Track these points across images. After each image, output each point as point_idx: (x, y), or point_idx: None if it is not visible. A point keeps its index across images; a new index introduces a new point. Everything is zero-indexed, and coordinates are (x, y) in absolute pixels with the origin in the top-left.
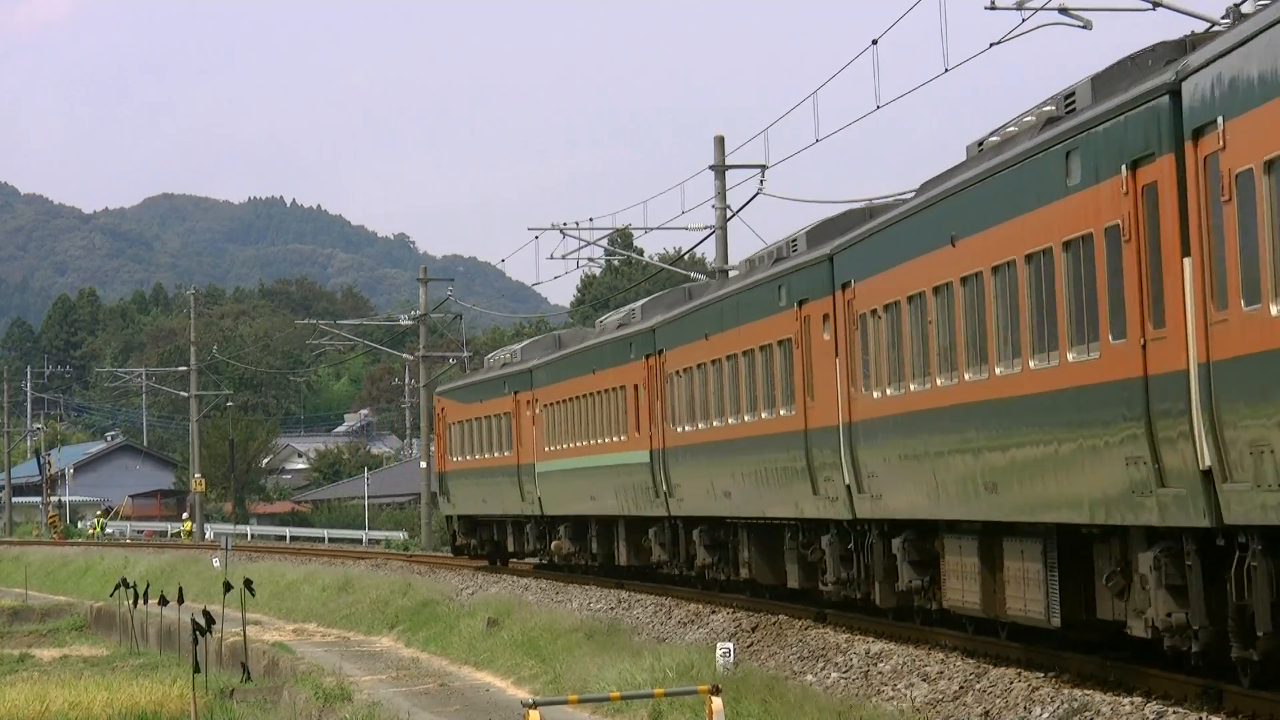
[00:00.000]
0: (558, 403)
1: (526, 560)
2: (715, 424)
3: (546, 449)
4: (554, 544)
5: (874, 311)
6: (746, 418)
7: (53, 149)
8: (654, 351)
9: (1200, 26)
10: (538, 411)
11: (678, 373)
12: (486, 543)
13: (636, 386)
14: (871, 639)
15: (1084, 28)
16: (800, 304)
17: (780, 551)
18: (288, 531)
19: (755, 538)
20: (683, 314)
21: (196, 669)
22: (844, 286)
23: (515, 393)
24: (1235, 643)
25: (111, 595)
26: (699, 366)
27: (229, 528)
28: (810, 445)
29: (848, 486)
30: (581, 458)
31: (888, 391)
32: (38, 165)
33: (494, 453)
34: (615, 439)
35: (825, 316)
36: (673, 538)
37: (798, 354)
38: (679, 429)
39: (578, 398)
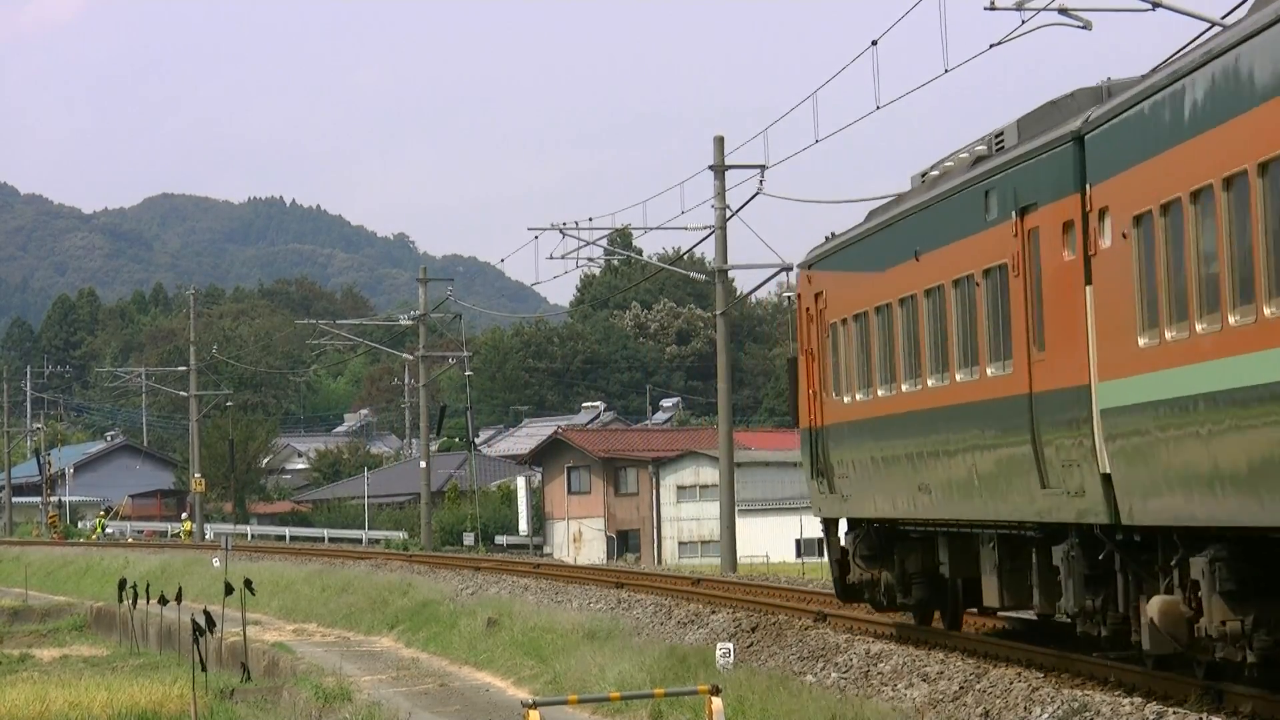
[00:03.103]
0: (1186, 197)
1: (1033, 612)
2: None
3: (1140, 341)
4: (1156, 603)
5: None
6: None
7: (53, 149)
8: None
9: (1200, 26)
10: (1105, 242)
11: None
12: (916, 580)
13: None
14: (871, 639)
15: (1084, 28)
16: None
17: None
18: (288, 531)
19: None
20: None
21: (204, 668)
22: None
23: (1021, 211)
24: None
25: (120, 602)
26: None
27: (229, 528)
28: None
29: None
30: None
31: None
32: (38, 165)
33: (953, 373)
34: None
35: None
36: None
37: None
38: None
39: None
